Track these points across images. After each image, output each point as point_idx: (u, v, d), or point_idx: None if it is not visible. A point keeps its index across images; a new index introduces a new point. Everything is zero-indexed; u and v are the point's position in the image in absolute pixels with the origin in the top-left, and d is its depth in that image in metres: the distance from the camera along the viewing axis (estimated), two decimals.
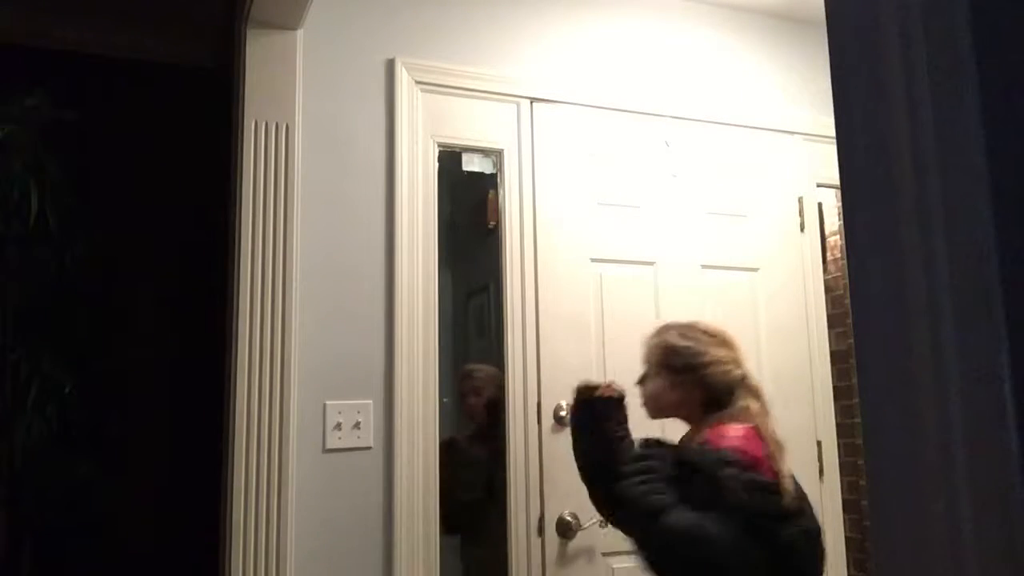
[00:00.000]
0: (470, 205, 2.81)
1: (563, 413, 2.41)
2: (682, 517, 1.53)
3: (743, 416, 1.69)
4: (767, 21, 2.98)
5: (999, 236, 0.47)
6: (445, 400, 2.42)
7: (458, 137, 2.48)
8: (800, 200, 2.90)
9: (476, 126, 2.50)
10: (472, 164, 2.56)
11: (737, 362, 1.76)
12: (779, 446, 1.65)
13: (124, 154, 2.75)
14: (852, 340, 0.59)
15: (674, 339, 1.80)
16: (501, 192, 2.53)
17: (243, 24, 2.25)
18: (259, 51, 2.24)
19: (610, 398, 1.87)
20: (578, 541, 2.35)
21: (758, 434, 1.65)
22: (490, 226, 2.61)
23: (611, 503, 1.74)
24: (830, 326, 2.95)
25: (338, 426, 2.19)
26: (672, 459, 1.66)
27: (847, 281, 0.66)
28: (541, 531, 2.35)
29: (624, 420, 1.87)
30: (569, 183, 2.58)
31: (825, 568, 1.62)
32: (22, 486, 2.33)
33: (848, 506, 2.98)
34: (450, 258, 2.57)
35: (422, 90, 2.43)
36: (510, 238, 2.48)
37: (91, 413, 2.44)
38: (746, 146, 2.85)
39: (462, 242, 2.80)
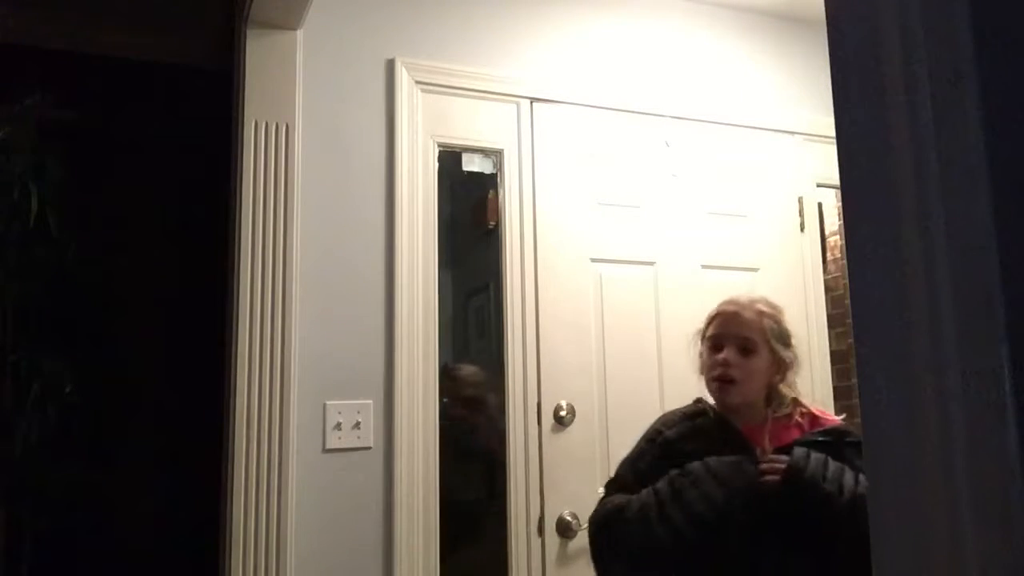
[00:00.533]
0: (470, 205, 2.81)
1: (563, 413, 2.41)
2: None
3: (794, 402, 1.59)
4: (767, 21, 2.98)
5: (999, 236, 0.47)
6: (445, 400, 2.42)
7: (458, 137, 2.48)
8: (800, 200, 2.90)
9: (476, 126, 2.50)
10: (472, 164, 2.56)
11: None
12: None
13: (124, 154, 2.75)
14: (852, 340, 0.59)
15: (779, 311, 1.64)
16: (501, 192, 2.53)
17: (243, 24, 2.25)
18: (259, 51, 2.24)
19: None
20: (578, 541, 2.35)
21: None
22: (490, 226, 2.61)
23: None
24: (830, 326, 2.95)
25: (338, 426, 2.19)
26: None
27: (847, 281, 0.66)
28: (541, 531, 2.35)
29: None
30: (569, 183, 2.58)
31: None
32: (22, 486, 2.33)
33: None
34: (450, 258, 2.57)
35: (422, 90, 2.43)
36: (510, 238, 2.48)
37: (91, 413, 2.44)
38: (746, 146, 2.85)
39: (462, 242, 2.80)
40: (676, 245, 2.69)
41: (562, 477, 2.36)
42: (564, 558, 2.35)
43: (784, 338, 1.59)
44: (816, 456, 1.44)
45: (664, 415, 1.76)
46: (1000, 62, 0.49)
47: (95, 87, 2.70)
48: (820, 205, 3.15)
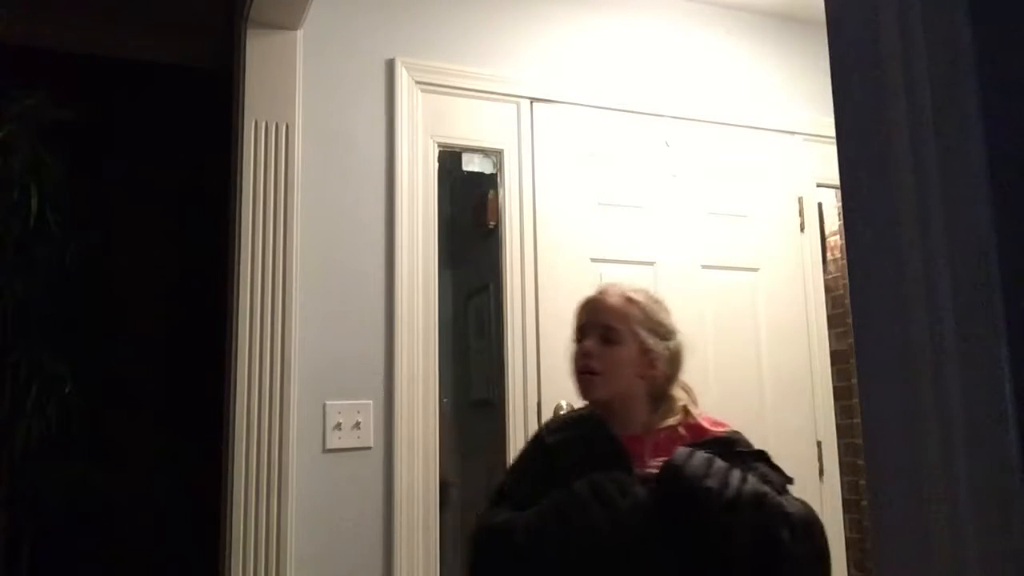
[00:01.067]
0: (470, 205, 2.81)
1: (563, 412, 2.41)
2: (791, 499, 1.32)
3: (684, 411, 1.44)
4: (767, 21, 2.98)
5: (999, 236, 0.47)
6: (445, 400, 2.42)
7: (458, 137, 2.48)
8: (800, 200, 2.90)
9: (476, 126, 2.50)
10: (472, 164, 2.56)
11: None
12: None
13: (124, 154, 2.75)
14: (852, 340, 0.59)
15: (653, 300, 1.48)
16: (501, 192, 2.53)
17: (243, 24, 2.25)
18: (259, 51, 2.24)
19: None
20: None
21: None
22: (490, 226, 2.61)
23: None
24: (830, 326, 2.95)
25: (338, 426, 2.19)
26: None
27: (847, 281, 0.66)
28: None
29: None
30: (569, 183, 2.58)
31: None
32: (22, 486, 2.33)
33: (848, 506, 2.98)
34: (450, 258, 2.57)
35: (422, 90, 2.43)
36: (510, 238, 2.48)
37: (91, 413, 2.44)
38: (746, 146, 2.85)
39: (462, 242, 2.80)
40: (676, 245, 2.69)
41: None
42: None
43: (658, 330, 1.43)
44: (700, 455, 1.30)
45: (554, 416, 1.67)
46: (1000, 62, 0.49)
47: (95, 87, 2.70)
48: (820, 205, 3.15)
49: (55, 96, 2.41)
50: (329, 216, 2.27)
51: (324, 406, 2.19)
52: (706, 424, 1.43)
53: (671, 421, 1.43)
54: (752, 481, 1.29)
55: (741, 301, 2.73)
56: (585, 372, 1.42)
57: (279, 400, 2.10)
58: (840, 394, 2.93)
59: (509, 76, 2.55)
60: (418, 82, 2.43)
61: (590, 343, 1.43)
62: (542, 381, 2.42)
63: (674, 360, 1.45)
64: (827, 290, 2.98)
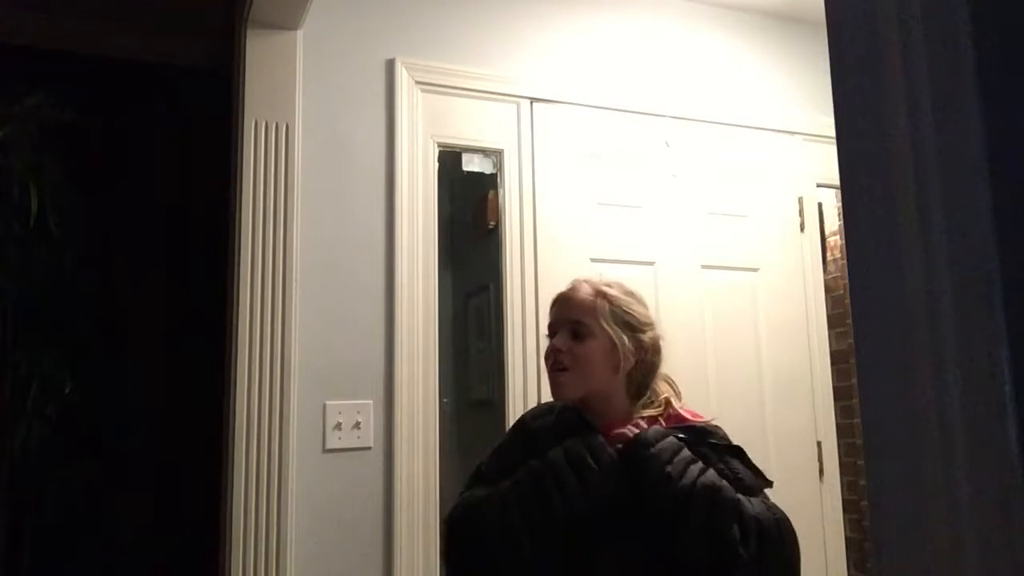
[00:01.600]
0: (470, 205, 2.81)
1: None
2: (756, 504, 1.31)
3: (666, 403, 1.44)
4: (767, 21, 2.98)
5: (999, 236, 0.47)
6: (445, 400, 2.42)
7: (458, 137, 2.48)
8: (800, 200, 2.90)
9: (476, 126, 2.50)
10: (472, 164, 2.56)
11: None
12: None
13: (124, 154, 2.75)
14: (852, 340, 0.59)
15: (625, 292, 1.47)
16: (501, 192, 2.53)
17: (243, 24, 2.25)
18: (259, 51, 2.24)
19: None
20: None
21: None
22: (490, 226, 2.61)
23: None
24: (830, 326, 2.95)
25: (338, 426, 2.19)
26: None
27: (847, 281, 0.66)
28: None
29: None
30: (569, 183, 2.58)
31: None
32: (22, 486, 2.33)
33: (848, 506, 2.99)
34: (450, 258, 2.57)
35: (422, 90, 2.43)
36: (510, 238, 2.48)
37: (91, 413, 2.44)
38: (746, 146, 2.85)
39: (462, 242, 2.80)
40: (676, 245, 2.69)
41: None
42: None
43: (631, 323, 1.42)
44: (671, 440, 1.31)
45: (537, 405, 1.66)
46: (1000, 62, 0.49)
47: (95, 87, 2.70)
48: (820, 205, 3.15)
49: (55, 96, 2.41)
50: (329, 216, 2.27)
51: (324, 406, 2.19)
52: (687, 415, 1.43)
53: (652, 412, 1.42)
54: (711, 475, 1.29)
55: (741, 301, 2.73)
56: (556, 369, 1.41)
57: (279, 400, 2.10)
58: (840, 394, 2.94)
59: (509, 76, 2.55)
60: (418, 82, 2.43)
61: (559, 339, 1.41)
62: (542, 381, 2.42)
63: (651, 352, 1.44)
64: (827, 290, 2.98)
